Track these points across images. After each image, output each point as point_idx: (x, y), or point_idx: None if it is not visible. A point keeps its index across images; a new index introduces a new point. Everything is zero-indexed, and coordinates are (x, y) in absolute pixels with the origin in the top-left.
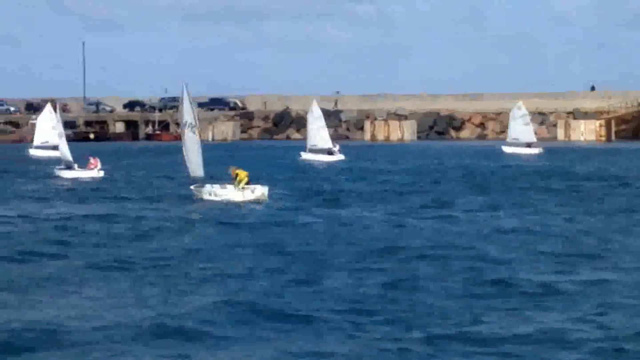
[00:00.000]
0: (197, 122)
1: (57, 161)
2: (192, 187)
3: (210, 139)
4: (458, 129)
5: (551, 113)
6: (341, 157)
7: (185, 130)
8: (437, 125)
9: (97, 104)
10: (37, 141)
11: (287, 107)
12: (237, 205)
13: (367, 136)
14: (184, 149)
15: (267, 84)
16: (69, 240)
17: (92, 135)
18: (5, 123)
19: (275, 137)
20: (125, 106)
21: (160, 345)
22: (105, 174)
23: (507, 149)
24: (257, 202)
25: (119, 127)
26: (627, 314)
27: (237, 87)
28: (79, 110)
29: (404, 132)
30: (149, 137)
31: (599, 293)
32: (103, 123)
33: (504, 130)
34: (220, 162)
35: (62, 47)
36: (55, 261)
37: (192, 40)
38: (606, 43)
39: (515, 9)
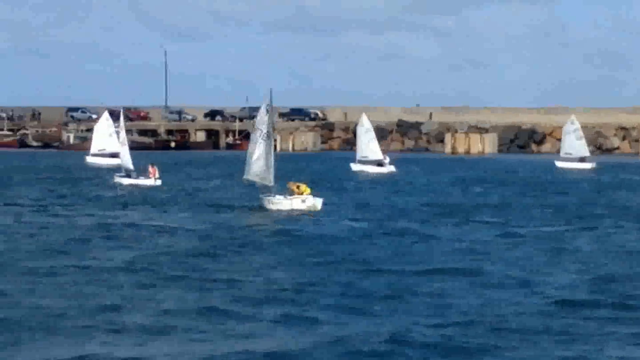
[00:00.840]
0: (271, 131)
1: (115, 169)
2: (261, 196)
3: (290, 149)
4: (539, 142)
5: (634, 128)
6: (392, 168)
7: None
8: (519, 139)
9: (180, 112)
10: (94, 149)
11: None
12: (296, 214)
13: (448, 149)
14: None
15: (349, 95)
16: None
17: (173, 144)
18: (87, 130)
19: (355, 148)
20: (206, 115)
21: None
22: (162, 182)
23: (560, 164)
24: (310, 212)
25: (200, 136)
26: None
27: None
28: (160, 119)
29: (485, 145)
30: (229, 146)
31: None
32: (184, 132)
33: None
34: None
35: (145, 56)
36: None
37: (273, 50)
38: None
39: (600, 23)
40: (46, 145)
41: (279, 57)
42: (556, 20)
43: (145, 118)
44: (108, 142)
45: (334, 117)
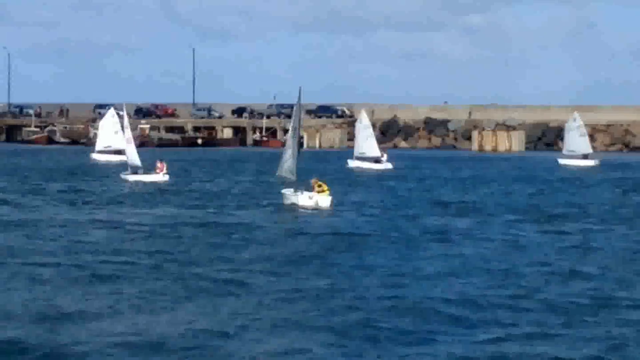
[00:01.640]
0: (298, 128)
1: (119, 166)
2: (282, 190)
3: (317, 146)
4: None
5: None
6: (389, 165)
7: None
8: (546, 137)
9: (209, 109)
10: (99, 145)
11: (395, 116)
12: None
13: (475, 146)
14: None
15: (376, 93)
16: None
17: (200, 141)
18: None
19: (382, 145)
20: (233, 112)
21: None
22: (170, 177)
23: (563, 161)
24: (321, 210)
25: (227, 133)
26: None
27: (346, 96)
28: (188, 116)
29: (512, 142)
30: (256, 143)
31: None
32: (211, 129)
33: (614, 142)
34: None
35: (174, 54)
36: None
37: (301, 48)
38: None
39: (630, 22)
40: (74, 142)
41: (308, 56)
42: (586, 18)
43: (172, 115)
44: (113, 139)
45: (361, 114)
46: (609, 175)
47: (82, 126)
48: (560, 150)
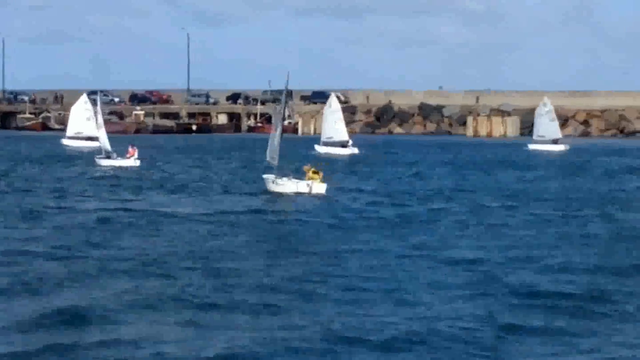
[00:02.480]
0: (283, 114)
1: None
2: (264, 175)
3: (312, 132)
4: (561, 125)
5: None
6: (355, 150)
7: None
8: None
9: (207, 95)
10: (70, 131)
11: (390, 102)
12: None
13: (470, 132)
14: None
15: (371, 78)
16: None
17: (194, 127)
18: (110, 113)
19: (377, 131)
20: (228, 98)
21: None
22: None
23: (532, 146)
24: (315, 196)
25: (222, 119)
26: None
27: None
28: (182, 102)
29: (507, 128)
30: (251, 129)
31: None
32: (206, 115)
33: (609, 127)
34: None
35: (168, 39)
36: None
37: (297, 34)
38: None
39: (626, 6)
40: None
41: (303, 41)
42: (583, 4)
43: (167, 101)
44: (85, 125)
45: (356, 100)
46: (566, 160)
47: None
48: None
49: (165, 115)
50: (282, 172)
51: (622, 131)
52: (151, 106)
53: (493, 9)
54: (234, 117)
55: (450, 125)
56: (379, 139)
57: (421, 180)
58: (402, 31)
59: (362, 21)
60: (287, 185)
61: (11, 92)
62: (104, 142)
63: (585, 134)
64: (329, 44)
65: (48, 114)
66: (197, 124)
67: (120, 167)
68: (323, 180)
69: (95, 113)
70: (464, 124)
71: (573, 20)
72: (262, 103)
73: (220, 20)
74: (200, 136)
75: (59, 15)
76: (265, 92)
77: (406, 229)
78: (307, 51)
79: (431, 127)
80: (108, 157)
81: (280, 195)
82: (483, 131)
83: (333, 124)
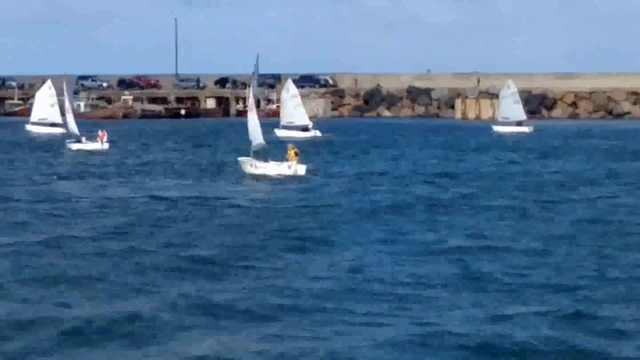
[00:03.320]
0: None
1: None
2: (239, 158)
3: None
4: (550, 108)
5: None
6: (318, 133)
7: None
8: (529, 104)
9: (198, 80)
10: (34, 117)
11: (378, 85)
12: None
13: (458, 114)
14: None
15: (359, 62)
16: None
17: (183, 112)
18: (98, 98)
19: (365, 114)
20: (216, 83)
21: None
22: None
23: (497, 128)
24: (295, 177)
25: (210, 104)
26: None
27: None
28: (171, 87)
29: (495, 110)
30: (239, 113)
31: None
32: (194, 99)
33: (597, 109)
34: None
35: (156, 23)
36: None
37: (285, 17)
38: None
39: None
40: None
41: (291, 24)
42: None
43: (155, 86)
44: (49, 111)
45: (344, 83)
46: (521, 144)
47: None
48: (544, 117)
49: (153, 100)
50: (257, 155)
51: (610, 113)
52: (139, 91)
53: None
54: (222, 101)
55: (439, 108)
56: (350, 123)
57: (360, 165)
58: (389, 13)
59: (350, 2)
60: (269, 168)
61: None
62: (72, 127)
63: (574, 115)
64: (316, 27)
65: None
66: (185, 109)
67: (91, 151)
68: (301, 162)
69: (65, 98)
70: (453, 106)
71: (562, 1)
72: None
73: (206, 3)
74: (188, 121)
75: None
76: (253, 76)
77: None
78: (295, 34)
79: (419, 110)
80: (78, 141)
81: (263, 178)
82: (471, 114)
83: (293, 109)
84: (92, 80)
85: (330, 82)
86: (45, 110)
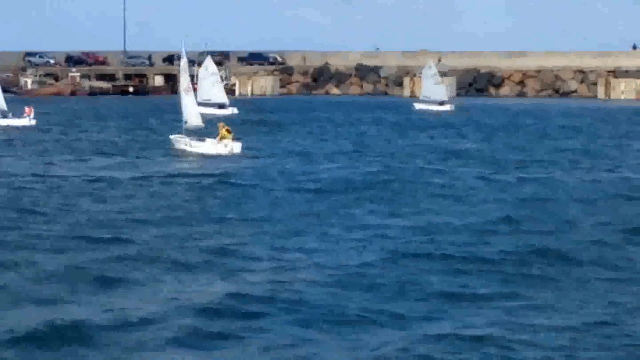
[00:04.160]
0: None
1: None
2: (171, 136)
3: (249, 93)
4: (498, 86)
5: (592, 71)
6: (234, 110)
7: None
8: (477, 83)
9: (149, 57)
10: None
11: (327, 63)
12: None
13: (407, 92)
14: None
15: (308, 39)
16: None
17: (131, 89)
18: (45, 75)
19: (314, 92)
20: (164, 60)
21: None
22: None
23: (418, 106)
24: (231, 155)
25: (158, 81)
26: None
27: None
28: (118, 64)
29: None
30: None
31: None
32: (142, 77)
33: (544, 88)
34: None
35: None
36: None
37: None
38: None
39: None
40: (4, 91)
41: (240, 1)
42: None
43: (103, 63)
44: None
45: (293, 61)
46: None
47: (11, 74)
48: (491, 96)
49: (101, 77)
50: (190, 134)
51: (557, 91)
52: (87, 68)
53: None
54: (170, 78)
55: (387, 86)
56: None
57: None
58: None
59: None
60: (205, 147)
61: None
62: (0, 102)
63: (522, 94)
64: (265, 4)
65: None
66: (133, 86)
67: (16, 127)
68: (235, 138)
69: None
70: (401, 84)
71: None
72: (199, 64)
73: None
74: (136, 98)
75: None
76: (202, 53)
77: None
78: (244, 12)
79: (368, 88)
80: (4, 116)
81: (200, 156)
82: (419, 92)
83: (211, 86)
84: (40, 57)
85: (279, 59)
86: None
